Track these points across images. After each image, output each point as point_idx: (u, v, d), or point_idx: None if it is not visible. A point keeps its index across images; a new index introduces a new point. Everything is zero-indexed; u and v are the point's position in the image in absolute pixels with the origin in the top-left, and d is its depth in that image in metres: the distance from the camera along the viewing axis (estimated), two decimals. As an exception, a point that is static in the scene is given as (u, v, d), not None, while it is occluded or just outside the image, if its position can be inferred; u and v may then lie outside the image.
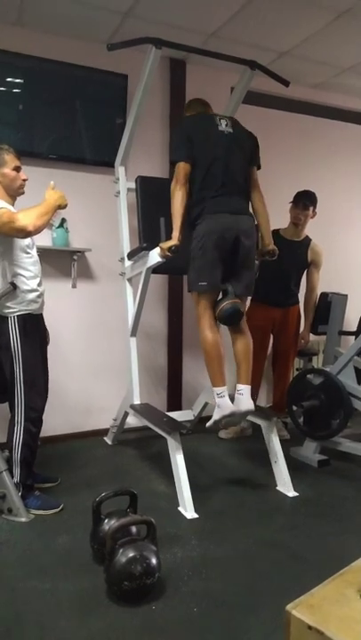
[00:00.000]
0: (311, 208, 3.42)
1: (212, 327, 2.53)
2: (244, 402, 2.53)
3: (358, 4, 2.80)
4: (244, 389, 2.55)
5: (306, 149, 4.12)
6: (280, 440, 2.78)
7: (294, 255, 3.43)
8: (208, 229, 2.45)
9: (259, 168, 2.69)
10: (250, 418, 2.92)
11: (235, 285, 2.54)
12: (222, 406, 2.48)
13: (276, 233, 3.43)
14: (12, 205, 2.36)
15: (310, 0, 2.78)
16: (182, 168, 2.48)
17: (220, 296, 2.57)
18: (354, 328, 3.66)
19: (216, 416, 2.50)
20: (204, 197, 2.48)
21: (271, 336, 3.60)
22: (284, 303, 3.50)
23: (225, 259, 2.48)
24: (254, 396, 3.64)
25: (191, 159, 2.48)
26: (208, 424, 2.54)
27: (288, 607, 0.99)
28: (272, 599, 1.77)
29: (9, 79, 3.12)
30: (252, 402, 2.55)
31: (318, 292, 3.63)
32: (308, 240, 3.52)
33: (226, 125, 2.55)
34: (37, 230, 2.29)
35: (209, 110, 2.73)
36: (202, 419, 3.24)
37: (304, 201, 3.40)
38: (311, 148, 4.14)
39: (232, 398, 2.54)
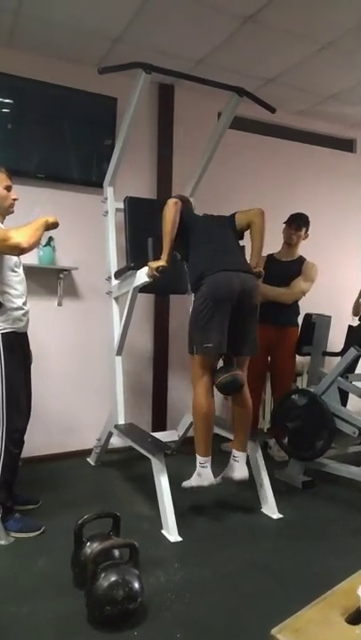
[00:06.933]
0: (304, 229, 3.53)
1: (207, 394, 2.48)
2: (239, 469, 2.52)
3: (340, 37, 2.93)
4: (240, 456, 2.54)
5: (290, 174, 4.20)
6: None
7: (290, 274, 3.50)
8: (211, 289, 2.44)
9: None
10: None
11: (241, 346, 2.51)
12: (203, 476, 2.46)
13: (270, 257, 3.54)
14: (2, 224, 2.37)
15: (295, 31, 2.89)
16: (173, 200, 2.54)
17: (221, 363, 2.55)
18: (338, 349, 3.69)
19: (193, 483, 2.48)
20: (201, 259, 2.52)
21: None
22: (280, 322, 3.51)
23: (229, 318, 2.45)
24: (255, 420, 3.62)
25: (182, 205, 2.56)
26: (183, 484, 2.49)
27: (273, 631, 0.98)
28: (256, 622, 1.74)
29: (-1, 99, 3.16)
30: (247, 470, 2.53)
31: (303, 312, 3.66)
32: (302, 259, 3.59)
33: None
34: (31, 247, 2.30)
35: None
36: (186, 439, 3.22)
37: (298, 222, 3.53)
38: (296, 173, 4.22)
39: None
